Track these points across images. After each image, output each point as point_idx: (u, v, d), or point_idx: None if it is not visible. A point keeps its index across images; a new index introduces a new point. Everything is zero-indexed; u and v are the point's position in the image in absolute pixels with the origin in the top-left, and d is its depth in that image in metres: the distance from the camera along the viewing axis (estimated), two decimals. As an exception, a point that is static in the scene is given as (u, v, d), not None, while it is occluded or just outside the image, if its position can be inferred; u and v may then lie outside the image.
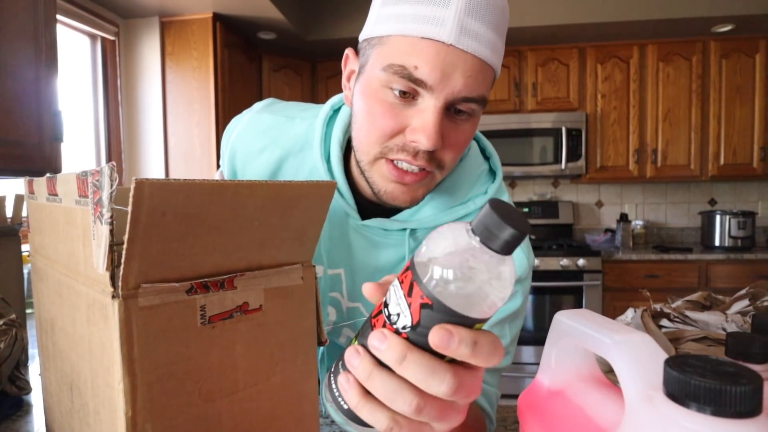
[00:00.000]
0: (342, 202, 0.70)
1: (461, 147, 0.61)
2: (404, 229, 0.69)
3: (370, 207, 0.69)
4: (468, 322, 0.30)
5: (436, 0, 0.54)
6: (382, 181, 0.62)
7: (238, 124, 0.80)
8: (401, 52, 0.55)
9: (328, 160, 0.72)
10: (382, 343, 0.32)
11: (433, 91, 0.55)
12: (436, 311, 0.29)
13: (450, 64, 0.54)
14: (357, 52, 0.65)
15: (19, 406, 0.80)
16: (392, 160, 0.60)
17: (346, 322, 0.78)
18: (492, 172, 0.75)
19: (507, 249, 0.28)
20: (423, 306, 0.30)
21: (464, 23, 0.53)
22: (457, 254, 0.29)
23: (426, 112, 0.56)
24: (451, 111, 0.58)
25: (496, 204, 0.29)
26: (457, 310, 0.29)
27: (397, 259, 0.71)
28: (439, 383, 0.31)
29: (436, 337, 0.29)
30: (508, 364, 0.70)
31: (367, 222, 0.69)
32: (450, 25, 0.53)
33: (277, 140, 0.75)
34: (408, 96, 0.57)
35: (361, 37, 0.63)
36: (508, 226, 0.28)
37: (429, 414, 0.32)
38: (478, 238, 0.29)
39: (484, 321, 0.31)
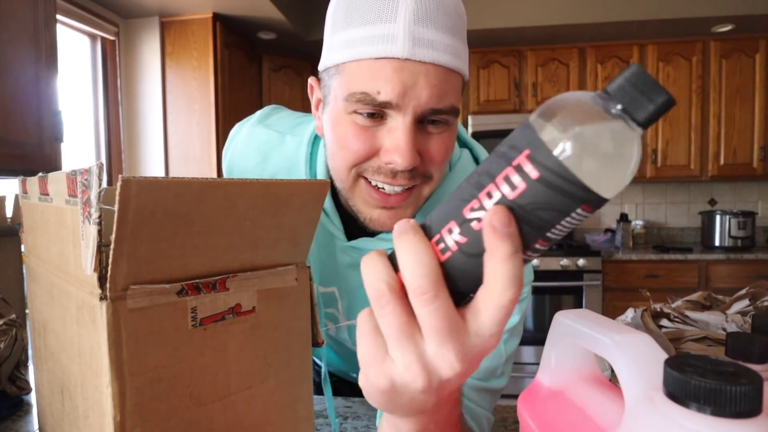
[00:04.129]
0: (328, 223, 0.68)
1: (443, 158, 0.58)
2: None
3: (360, 227, 0.67)
4: (574, 193, 0.26)
5: (382, 17, 0.52)
6: (366, 208, 0.60)
7: (237, 135, 0.80)
8: (360, 78, 0.54)
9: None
10: (403, 222, 0.30)
11: (400, 109, 0.53)
12: (554, 187, 0.25)
13: (410, 78, 0.52)
14: (319, 80, 0.64)
15: (19, 406, 0.80)
16: (370, 181, 0.58)
17: (344, 333, 0.76)
18: None
19: (651, 119, 0.25)
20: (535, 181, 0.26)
21: (415, 34, 0.52)
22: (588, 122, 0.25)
23: (397, 131, 0.54)
24: (423, 124, 0.56)
25: (638, 68, 0.25)
26: (582, 179, 0.25)
27: None
28: (414, 271, 0.29)
29: (497, 213, 0.26)
30: (503, 385, 0.67)
31: (353, 243, 0.68)
32: (401, 40, 0.51)
33: (268, 157, 0.74)
34: (377, 117, 0.55)
35: (320, 67, 0.62)
36: (660, 90, 0.24)
37: (387, 316, 0.29)
38: (618, 105, 0.25)
39: (599, 203, 0.27)
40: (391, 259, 0.31)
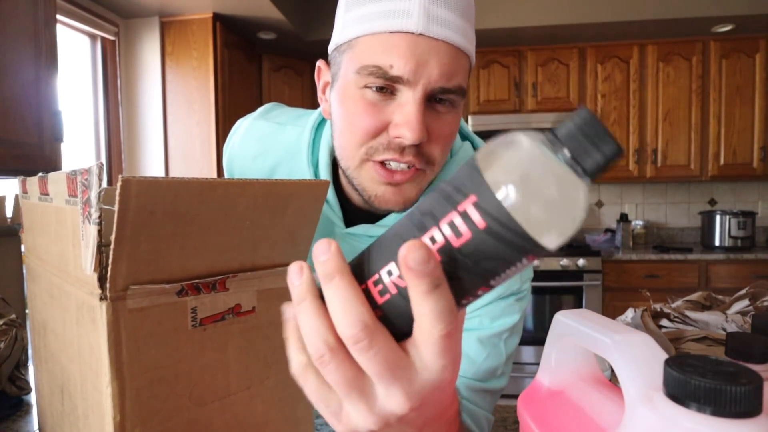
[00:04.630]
0: (328, 210, 0.68)
1: (447, 139, 0.59)
2: None
3: (359, 214, 0.67)
4: (521, 245, 0.24)
5: None
6: (372, 184, 0.60)
7: (237, 130, 0.80)
8: (373, 51, 0.55)
9: (316, 166, 0.70)
10: (323, 253, 0.27)
11: (410, 85, 0.54)
12: (493, 236, 0.24)
13: (423, 54, 0.53)
14: (328, 63, 0.65)
15: (19, 406, 0.79)
16: (379, 162, 0.58)
17: None
18: None
19: (599, 170, 0.24)
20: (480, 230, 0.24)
21: (430, 11, 0.53)
22: (534, 167, 0.24)
23: (407, 105, 0.54)
24: (432, 102, 0.57)
25: (588, 113, 0.24)
26: (531, 234, 0.24)
27: None
28: (350, 319, 0.26)
29: (413, 250, 0.24)
30: (503, 385, 0.67)
31: (352, 229, 0.68)
32: (417, 15, 0.53)
33: (270, 148, 0.75)
34: (386, 91, 0.56)
35: (331, 47, 0.63)
36: (610, 140, 0.23)
37: (333, 373, 0.28)
38: (567, 151, 0.24)
39: (539, 252, 0.25)
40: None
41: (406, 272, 0.25)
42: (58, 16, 2.19)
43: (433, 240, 0.25)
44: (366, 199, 0.62)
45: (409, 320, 0.27)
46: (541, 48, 3.28)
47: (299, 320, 0.29)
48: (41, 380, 0.56)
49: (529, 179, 0.23)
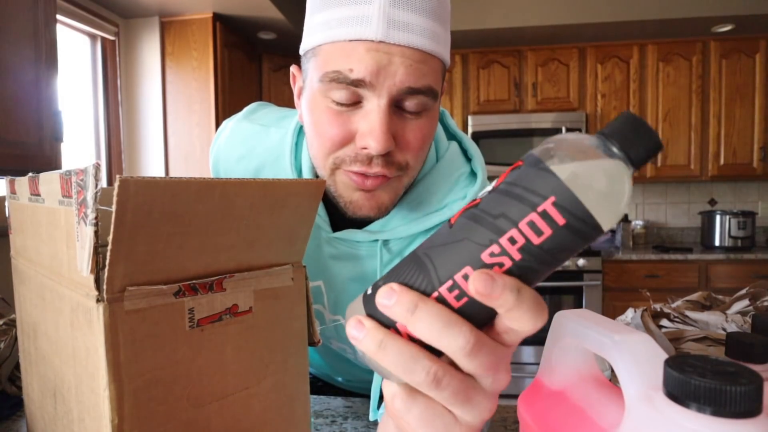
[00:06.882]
0: None
1: (420, 145, 0.57)
2: (376, 240, 0.67)
3: (345, 218, 0.66)
4: (588, 232, 0.27)
5: None
6: (346, 190, 0.59)
7: (223, 131, 0.79)
8: (333, 58, 0.53)
9: (300, 172, 0.69)
10: (389, 298, 0.28)
11: (374, 89, 0.52)
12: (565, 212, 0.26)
13: (384, 58, 0.51)
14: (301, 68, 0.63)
15: (19, 406, 0.79)
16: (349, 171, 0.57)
17: (331, 332, 0.75)
18: (473, 175, 0.68)
19: (644, 161, 0.28)
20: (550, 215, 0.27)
21: (391, 16, 0.51)
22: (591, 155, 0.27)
23: (371, 113, 0.53)
24: (400, 108, 0.55)
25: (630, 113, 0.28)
26: (591, 211, 0.26)
27: (370, 271, 0.68)
28: (455, 335, 0.27)
29: (478, 281, 0.26)
30: None
31: (338, 234, 0.67)
32: (376, 22, 0.51)
33: (253, 150, 0.74)
34: (351, 103, 0.54)
35: (300, 52, 0.61)
36: (651, 134, 0.27)
37: (448, 387, 0.28)
38: (617, 146, 0.27)
39: (596, 234, 0.27)
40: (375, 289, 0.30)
41: (485, 299, 0.27)
42: (58, 16, 2.19)
43: (512, 241, 0.27)
44: (342, 206, 0.61)
45: (480, 322, 0.29)
46: (541, 48, 3.28)
47: (391, 357, 0.29)
48: (31, 384, 0.55)
49: (597, 177, 0.26)
